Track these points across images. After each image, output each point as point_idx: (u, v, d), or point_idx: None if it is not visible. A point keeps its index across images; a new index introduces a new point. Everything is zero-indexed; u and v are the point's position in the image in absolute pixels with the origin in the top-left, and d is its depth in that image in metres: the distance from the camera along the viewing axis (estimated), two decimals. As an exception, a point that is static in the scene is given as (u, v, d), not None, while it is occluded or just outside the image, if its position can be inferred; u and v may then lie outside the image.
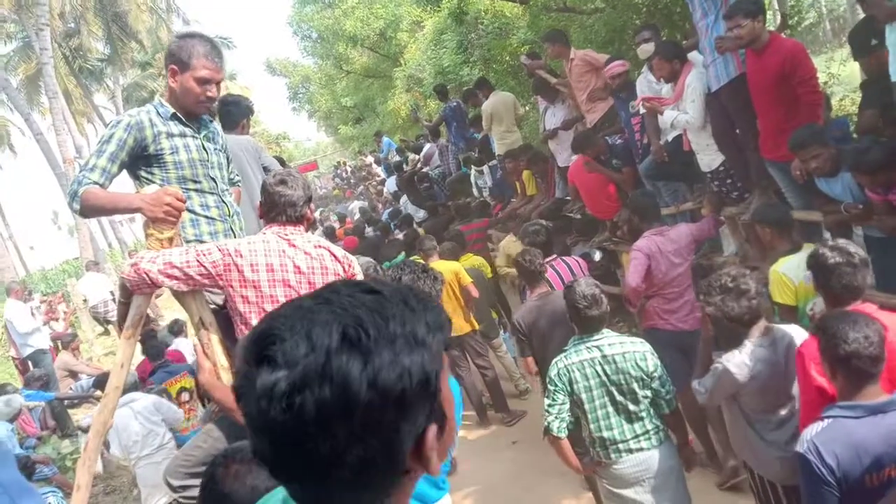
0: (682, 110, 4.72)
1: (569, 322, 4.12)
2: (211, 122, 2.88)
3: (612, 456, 3.10)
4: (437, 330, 0.76)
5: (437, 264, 5.96)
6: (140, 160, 2.61)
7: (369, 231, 11.91)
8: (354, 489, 0.72)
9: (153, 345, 7.12)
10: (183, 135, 2.68)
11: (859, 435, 2.08)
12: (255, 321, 2.31)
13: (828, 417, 2.18)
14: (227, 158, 2.99)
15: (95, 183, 2.51)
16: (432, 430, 0.75)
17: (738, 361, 2.76)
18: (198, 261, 2.34)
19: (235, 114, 4.25)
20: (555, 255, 5.00)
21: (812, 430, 2.18)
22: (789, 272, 3.39)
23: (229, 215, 2.86)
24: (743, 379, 2.73)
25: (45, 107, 23.53)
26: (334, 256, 2.47)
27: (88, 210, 2.57)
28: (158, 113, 2.65)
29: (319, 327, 0.70)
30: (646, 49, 5.30)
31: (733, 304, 2.72)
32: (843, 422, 2.13)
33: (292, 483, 0.77)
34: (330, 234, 11.20)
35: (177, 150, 2.64)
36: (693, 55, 4.86)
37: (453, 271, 5.85)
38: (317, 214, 14.55)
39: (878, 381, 2.14)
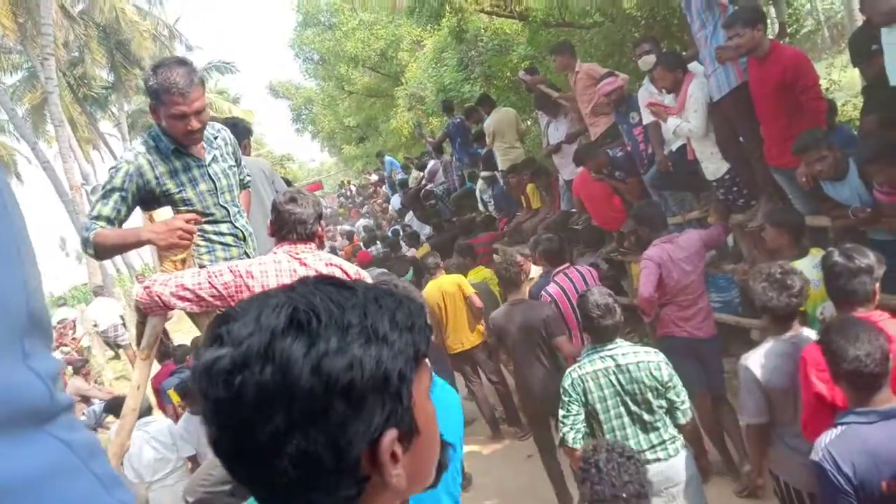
0: (685, 119, 4.75)
1: (535, 331, 4.42)
2: (216, 137, 2.81)
3: (629, 466, 3.08)
4: (407, 330, 0.73)
5: (441, 279, 5.99)
6: (150, 201, 2.60)
7: (372, 250, 11.95)
8: (303, 489, 0.69)
9: (181, 348, 7.20)
10: (187, 168, 2.63)
11: (874, 441, 2.06)
12: None
13: (841, 424, 2.16)
14: (238, 161, 2.95)
15: (103, 228, 2.51)
16: (390, 434, 0.70)
17: (755, 358, 2.78)
18: (209, 282, 2.35)
19: (235, 136, 4.28)
20: (567, 264, 5.01)
21: (826, 438, 2.16)
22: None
23: (243, 239, 2.88)
24: (761, 375, 2.73)
25: (50, 135, 23.71)
26: (346, 273, 2.48)
27: (102, 252, 2.58)
28: (158, 148, 2.58)
29: (270, 309, 0.69)
30: (647, 61, 5.34)
31: (773, 294, 2.74)
32: (858, 428, 2.11)
33: (243, 480, 0.73)
34: (354, 254, 11.13)
35: (183, 187, 2.61)
36: (694, 66, 4.90)
37: (456, 283, 5.88)
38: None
39: (886, 387, 2.13)
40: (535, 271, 5.08)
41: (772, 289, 2.75)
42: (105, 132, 30.81)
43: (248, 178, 3.15)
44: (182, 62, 2.51)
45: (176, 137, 2.57)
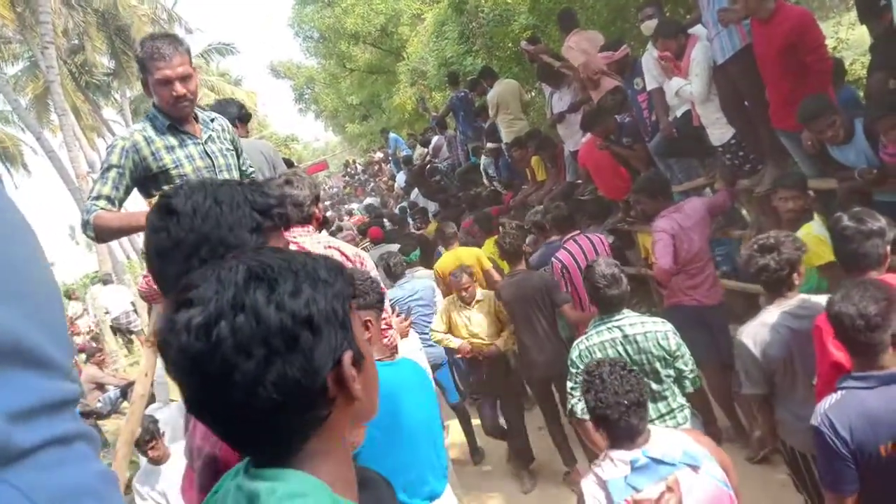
0: (694, 82, 4.66)
1: (531, 300, 4.54)
2: (213, 120, 2.80)
3: (638, 435, 3.09)
4: (339, 274, 0.88)
5: (459, 250, 5.96)
6: (147, 180, 2.59)
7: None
8: (284, 412, 0.80)
9: None
10: (183, 144, 2.63)
11: (871, 405, 2.06)
12: None
13: (841, 389, 2.17)
14: (237, 150, 2.93)
15: (104, 209, 2.50)
16: (348, 354, 0.85)
17: (749, 331, 2.75)
18: None
19: (226, 114, 4.16)
20: (577, 231, 5.02)
21: (825, 403, 2.17)
22: (820, 232, 3.39)
23: None
24: (757, 348, 2.71)
25: (55, 124, 23.71)
26: (345, 256, 2.46)
27: (102, 235, 2.57)
28: (155, 126, 2.60)
29: (226, 270, 0.82)
30: (649, 26, 5.24)
31: (759, 260, 2.72)
32: (856, 392, 2.11)
33: (223, 426, 0.83)
34: (363, 233, 10.93)
35: (180, 163, 2.61)
36: (697, 28, 4.80)
37: (475, 255, 5.85)
38: (328, 213, 14.59)
39: (887, 351, 2.11)
40: (480, 293, 5.06)
41: (759, 255, 2.72)
42: (109, 119, 30.80)
43: (250, 169, 3.12)
44: (167, 34, 2.59)
45: (166, 108, 2.57)
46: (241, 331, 0.76)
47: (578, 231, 5.08)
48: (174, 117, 2.60)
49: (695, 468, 2.04)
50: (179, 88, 2.51)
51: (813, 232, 3.43)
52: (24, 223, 0.59)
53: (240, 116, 4.26)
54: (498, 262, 5.69)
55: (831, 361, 2.40)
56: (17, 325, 0.55)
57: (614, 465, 2.12)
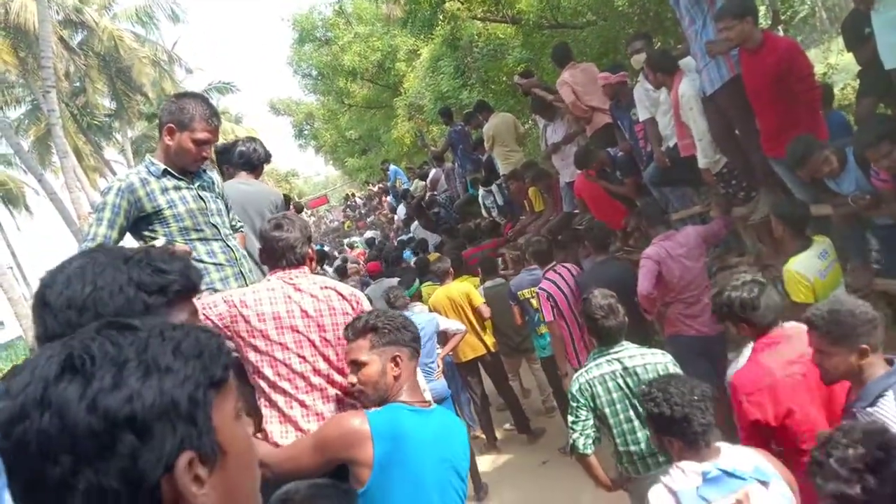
0: (688, 122, 4.69)
1: (625, 288, 4.31)
2: (205, 171, 2.87)
3: (641, 470, 3.06)
4: (195, 357, 0.75)
5: (450, 286, 5.97)
6: (141, 221, 2.62)
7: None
8: None
9: None
10: (177, 188, 2.68)
11: None
12: (266, 370, 2.32)
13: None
14: (227, 205, 2.99)
15: None
16: (184, 456, 0.71)
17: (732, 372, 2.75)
18: (204, 315, 2.32)
19: (263, 157, 4.12)
20: (554, 262, 5.19)
21: None
22: (802, 269, 3.36)
23: (237, 259, 2.87)
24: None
25: (57, 166, 23.90)
26: (341, 296, 2.46)
27: None
28: (150, 171, 2.65)
29: (44, 359, 0.71)
30: (638, 59, 5.33)
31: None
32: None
33: None
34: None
35: (174, 203, 2.65)
36: (685, 61, 4.87)
37: (465, 292, 5.85)
38: (327, 248, 14.60)
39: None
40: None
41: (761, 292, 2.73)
42: (111, 159, 31.06)
43: (240, 224, 3.18)
44: (212, 104, 2.74)
45: (182, 161, 2.65)
46: (44, 434, 0.66)
47: (555, 263, 5.25)
48: (176, 165, 2.67)
49: (765, 484, 2.05)
50: (208, 152, 2.69)
51: (792, 268, 3.42)
52: None
53: (266, 158, 4.09)
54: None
55: (750, 421, 2.48)
56: None
57: (685, 475, 2.12)
